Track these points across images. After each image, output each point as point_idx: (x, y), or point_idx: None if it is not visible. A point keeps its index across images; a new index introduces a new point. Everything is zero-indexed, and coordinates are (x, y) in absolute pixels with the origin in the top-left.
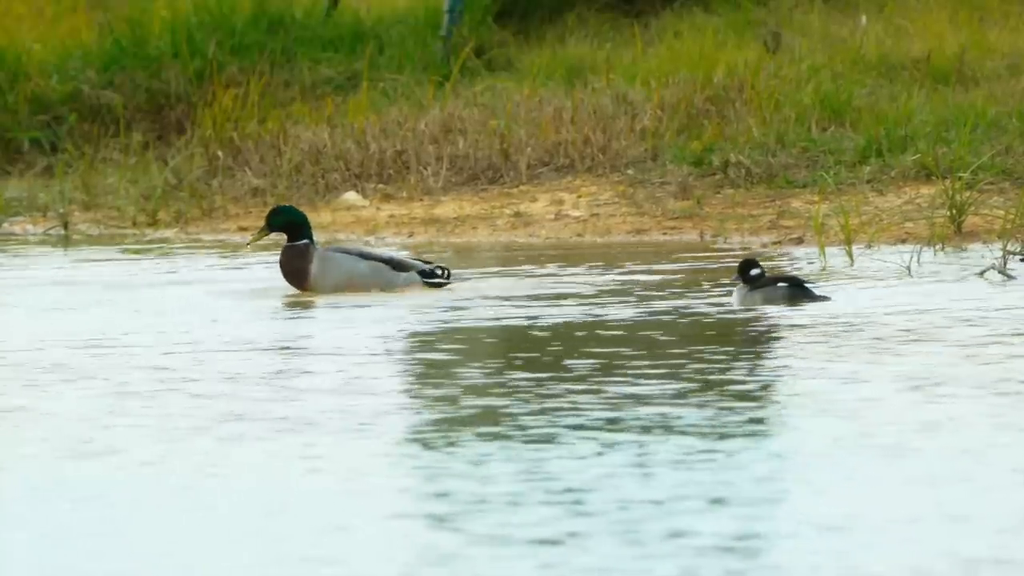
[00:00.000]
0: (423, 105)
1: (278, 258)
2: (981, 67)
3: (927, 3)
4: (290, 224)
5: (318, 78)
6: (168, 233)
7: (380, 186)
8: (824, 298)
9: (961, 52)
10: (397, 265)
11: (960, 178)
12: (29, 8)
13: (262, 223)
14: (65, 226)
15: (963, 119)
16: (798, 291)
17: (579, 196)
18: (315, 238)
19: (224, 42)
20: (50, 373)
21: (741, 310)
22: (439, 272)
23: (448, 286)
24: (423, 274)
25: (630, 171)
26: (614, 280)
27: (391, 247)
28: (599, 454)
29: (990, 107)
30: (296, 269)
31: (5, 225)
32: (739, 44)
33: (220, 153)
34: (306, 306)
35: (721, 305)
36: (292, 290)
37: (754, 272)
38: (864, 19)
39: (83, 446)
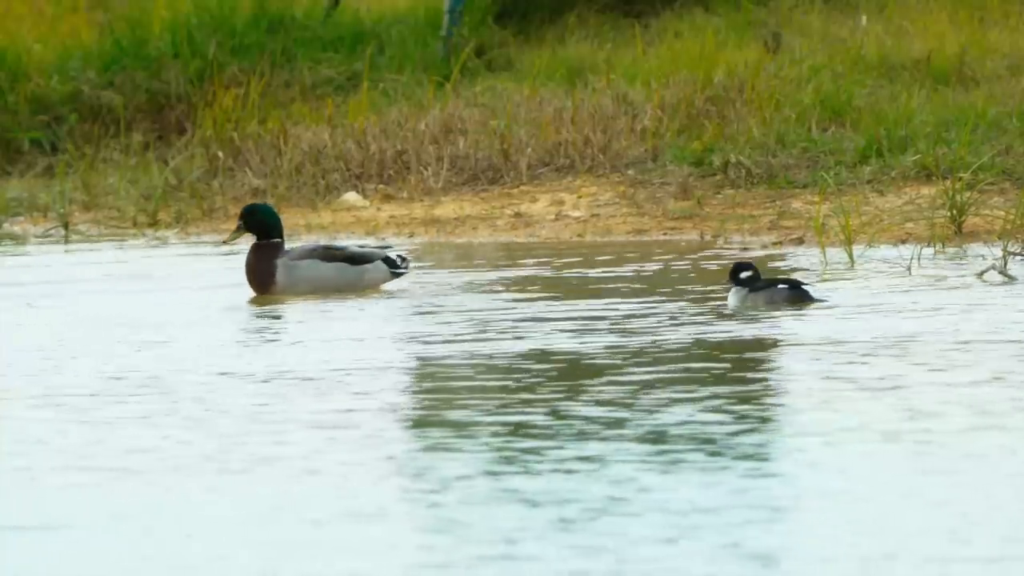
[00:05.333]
0: (423, 105)
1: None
2: (981, 67)
3: (927, 3)
4: (263, 224)
5: (318, 78)
6: (168, 233)
7: (380, 186)
8: (822, 300)
9: (961, 52)
10: (359, 259)
11: (960, 178)
12: (29, 8)
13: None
14: (65, 226)
15: (963, 119)
16: (796, 293)
17: (579, 196)
18: (312, 239)
19: (224, 42)
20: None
21: (739, 312)
22: (399, 261)
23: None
24: (387, 261)
25: (630, 171)
26: (614, 280)
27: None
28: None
29: (990, 107)
30: (262, 273)
31: (5, 225)
32: (739, 44)
33: (220, 153)
34: (291, 309)
35: (716, 309)
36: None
37: (745, 275)
38: (864, 19)
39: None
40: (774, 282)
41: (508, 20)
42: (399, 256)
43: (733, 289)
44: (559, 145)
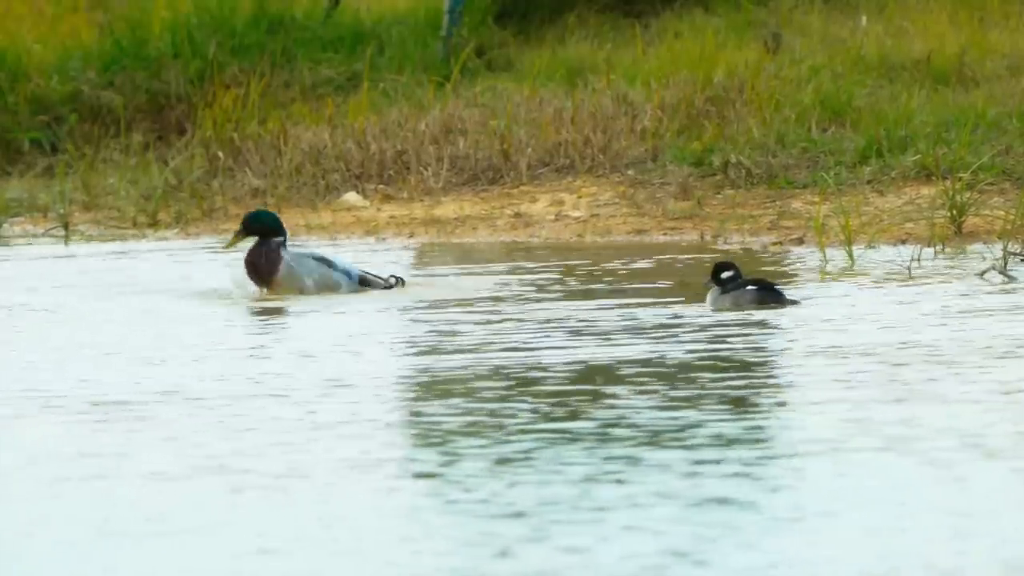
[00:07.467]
0: (423, 105)
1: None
2: (981, 68)
3: (927, 3)
4: (264, 227)
5: (318, 79)
6: (168, 234)
7: (380, 187)
8: (793, 302)
9: (961, 53)
10: (360, 280)
11: (960, 179)
12: (29, 8)
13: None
14: (65, 227)
15: (963, 120)
16: (767, 294)
17: (579, 197)
18: (312, 239)
19: (224, 43)
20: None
21: (714, 313)
22: (394, 283)
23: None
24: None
25: (630, 172)
26: (612, 280)
27: (391, 249)
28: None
29: (990, 108)
30: (265, 265)
31: (5, 226)
32: (739, 44)
33: (220, 154)
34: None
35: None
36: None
37: (725, 275)
38: (864, 19)
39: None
40: (746, 283)
41: (508, 20)
42: (394, 276)
43: (712, 289)
44: (559, 145)
